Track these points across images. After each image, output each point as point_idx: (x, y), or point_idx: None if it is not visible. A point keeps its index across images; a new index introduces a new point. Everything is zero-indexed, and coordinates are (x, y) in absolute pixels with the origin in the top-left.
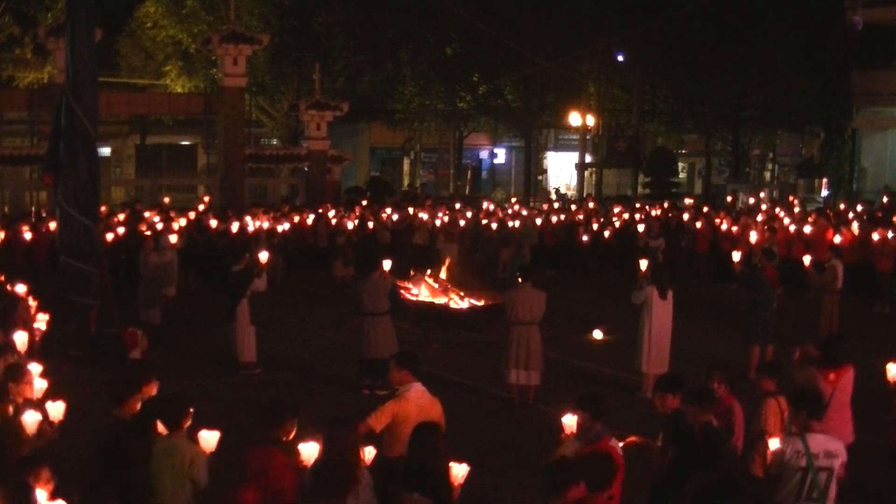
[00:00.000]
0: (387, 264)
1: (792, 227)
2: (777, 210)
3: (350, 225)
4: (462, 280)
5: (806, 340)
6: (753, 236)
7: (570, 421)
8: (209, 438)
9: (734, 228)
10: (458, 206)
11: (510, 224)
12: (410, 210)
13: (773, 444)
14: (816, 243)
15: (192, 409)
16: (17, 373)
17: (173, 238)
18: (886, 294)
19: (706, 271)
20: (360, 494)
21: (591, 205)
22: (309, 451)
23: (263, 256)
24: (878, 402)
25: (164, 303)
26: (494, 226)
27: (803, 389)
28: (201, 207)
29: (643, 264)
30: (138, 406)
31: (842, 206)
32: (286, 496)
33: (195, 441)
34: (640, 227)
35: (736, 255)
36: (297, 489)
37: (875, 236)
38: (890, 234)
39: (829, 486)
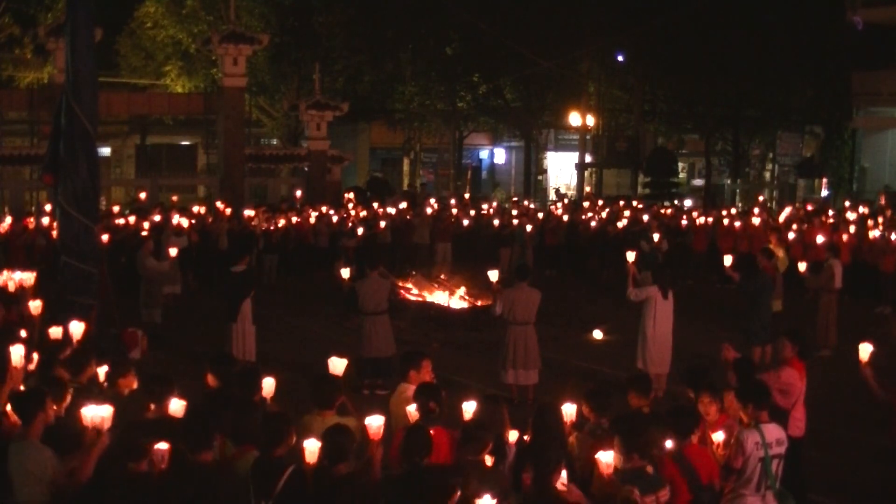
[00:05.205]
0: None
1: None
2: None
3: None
4: (459, 279)
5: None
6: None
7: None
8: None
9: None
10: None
11: (511, 223)
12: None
13: (717, 436)
14: (813, 243)
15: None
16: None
17: (173, 251)
18: (889, 295)
19: (705, 270)
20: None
21: (599, 202)
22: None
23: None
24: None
25: (166, 302)
26: (496, 222)
27: (748, 383)
28: (250, 213)
29: (630, 256)
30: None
31: (847, 205)
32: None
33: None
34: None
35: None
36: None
37: (875, 234)
38: (894, 236)
39: (779, 472)
